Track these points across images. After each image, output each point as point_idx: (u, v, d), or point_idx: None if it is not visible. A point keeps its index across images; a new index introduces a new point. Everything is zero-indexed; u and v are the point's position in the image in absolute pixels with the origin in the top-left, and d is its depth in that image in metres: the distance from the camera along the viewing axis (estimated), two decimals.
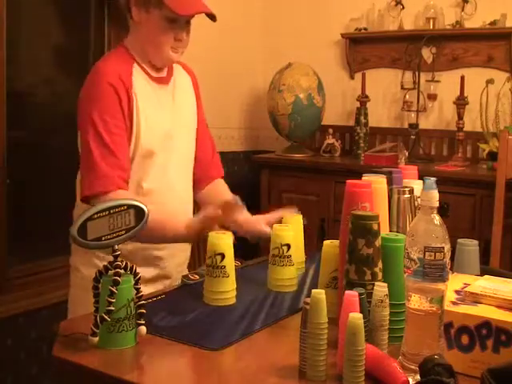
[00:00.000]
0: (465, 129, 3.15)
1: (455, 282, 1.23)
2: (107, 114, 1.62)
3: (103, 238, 1.17)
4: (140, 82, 1.70)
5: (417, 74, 3.30)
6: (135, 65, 1.71)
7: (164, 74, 1.78)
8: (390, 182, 1.44)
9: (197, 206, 1.94)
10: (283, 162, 3.45)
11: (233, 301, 1.45)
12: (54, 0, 2.78)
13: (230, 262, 1.45)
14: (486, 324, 1.06)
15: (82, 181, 1.63)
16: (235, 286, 1.47)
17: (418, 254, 1.03)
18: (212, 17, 1.70)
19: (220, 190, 1.94)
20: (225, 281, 1.44)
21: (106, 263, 1.19)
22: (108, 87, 1.62)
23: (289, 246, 1.56)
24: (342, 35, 3.59)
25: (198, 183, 1.91)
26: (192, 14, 1.66)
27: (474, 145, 3.23)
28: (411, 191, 1.45)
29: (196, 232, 1.63)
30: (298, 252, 1.65)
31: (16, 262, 2.54)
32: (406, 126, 3.39)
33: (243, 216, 1.71)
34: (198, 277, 1.61)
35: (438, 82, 3.33)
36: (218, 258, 1.44)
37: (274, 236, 1.58)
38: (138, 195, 1.65)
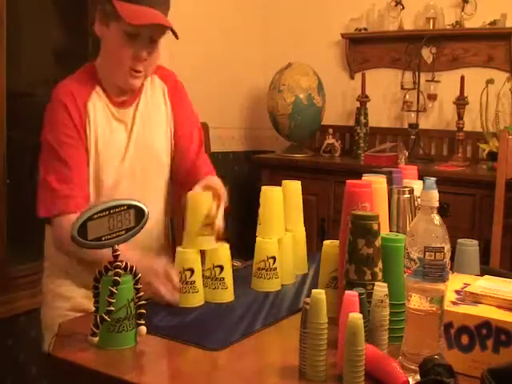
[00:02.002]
0: (465, 129, 3.15)
1: (455, 282, 1.23)
2: (58, 128, 1.63)
3: (103, 238, 1.17)
4: (97, 105, 1.67)
5: (417, 74, 3.30)
6: (98, 88, 1.68)
7: (127, 96, 1.72)
8: (390, 182, 1.44)
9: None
10: (283, 161, 3.45)
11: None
12: (53, 0, 2.78)
13: (228, 275, 1.46)
14: (486, 324, 1.06)
15: (39, 200, 1.64)
16: (233, 297, 1.47)
17: (418, 253, 1.03)
18: (174, 33, 1.61)
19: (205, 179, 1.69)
20: (224, 293, 1.45)
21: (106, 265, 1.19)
22: (59, 104, 1.65)
23: (274, 259, 1.53)
24: (342, 35, 3.59)
25: (183, 187, 1.70)
26: (145, 24, 1.58)
27: (474, 145, 3.23)
28: (411, 191, 1.45)
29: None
30: (299, 252, 1.65)
31: (16, 262, 2.54)
32: (405, 126, 3.39)
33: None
34: None
35: (437, 82, 3.33)
36: (217, 270, 1.44)
37: (259, 249, 1.54)
38: None
